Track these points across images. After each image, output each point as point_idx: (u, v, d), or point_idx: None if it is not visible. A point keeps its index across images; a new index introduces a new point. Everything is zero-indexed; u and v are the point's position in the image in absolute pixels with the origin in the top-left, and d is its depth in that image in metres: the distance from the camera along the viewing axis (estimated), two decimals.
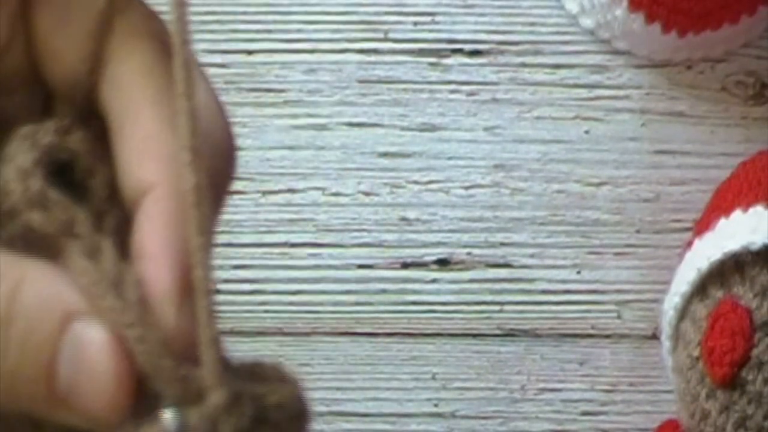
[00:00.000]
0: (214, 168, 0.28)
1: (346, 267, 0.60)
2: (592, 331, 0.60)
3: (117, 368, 0.26)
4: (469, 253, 0.60)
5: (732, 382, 0.51)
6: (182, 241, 0.27)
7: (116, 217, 0.29)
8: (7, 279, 0.26)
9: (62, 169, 0.29)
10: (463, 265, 0.60)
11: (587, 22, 0.60)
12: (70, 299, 0.26)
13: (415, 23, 0.60)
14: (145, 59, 0.29)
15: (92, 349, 0.26)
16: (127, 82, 0.29)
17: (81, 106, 0.29)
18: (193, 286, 0.27)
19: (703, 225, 0.55)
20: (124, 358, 0.26)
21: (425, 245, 0.60)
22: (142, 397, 0.27)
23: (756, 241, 0.51)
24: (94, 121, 0.29)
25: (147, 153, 0.28)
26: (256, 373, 0.28)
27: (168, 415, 0.26)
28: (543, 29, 0.60)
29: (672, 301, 0.54)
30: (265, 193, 0.60)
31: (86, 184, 0.29)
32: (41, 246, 0.28)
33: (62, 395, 0.26)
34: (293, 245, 0.60)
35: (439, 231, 0.60)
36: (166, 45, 0.28)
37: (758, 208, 0.52)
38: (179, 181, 0.27)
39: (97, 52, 0.29)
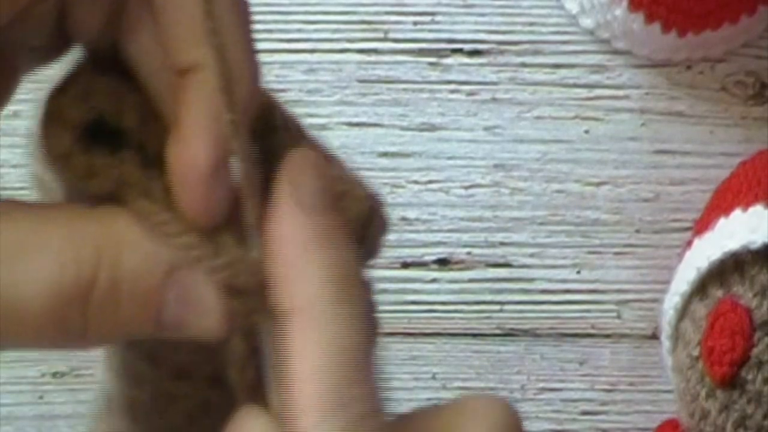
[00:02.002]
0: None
1: None
2: (592, 331, 0.60)
3: (221, 307, 0.28)
4: (469, 253, 0.60)
5: (732, 382, 0.51)
6: (220, 119, 0.29)
7: (155, 135, 0.29)
8: (107, 248, 0.28)
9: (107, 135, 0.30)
10: (463, 265, 0.60)
11: (587, 21, 0.60)
12: (167, 257, 0.28)
13: (415, 23, 0.60)
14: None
15: (198, 292, 0.28)
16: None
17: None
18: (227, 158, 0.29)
19: (702, 225, 0.55)
20: (225, 296, 0.28)
21: (425, 245, 0.60)
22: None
23: (756, 240, 0.51)
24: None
25: (191, 35, 0.29)
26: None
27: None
28: (543, 29, 0.60)
29: (672, 300, 0.54)
30: None
31: (142, 145, 0.30)
32: (105, 197, 0.29)
33: (171, 329, 0.28)
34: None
35: (439, 231, 0.60)
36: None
37: (758, 208, 0.52)
38: (221, 62, 0.29)
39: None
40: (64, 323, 0.27)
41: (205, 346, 0.30)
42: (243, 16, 0.30)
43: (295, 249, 0.29)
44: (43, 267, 0.27)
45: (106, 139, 0.29)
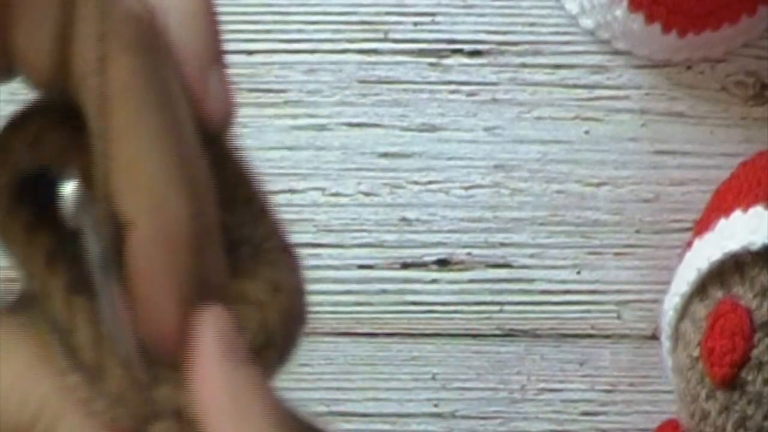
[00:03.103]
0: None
1: (346, 267, 0.60)
2: (592, 331, 0.60)
3: None
4: (469, 254, 0.60)
5: (732, 383, 0.51)
6: (174, 290, 0.28)
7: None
8: (48, 409, 0.27)
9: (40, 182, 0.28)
10: (463, 266, 0.60)
11: (587, 22, 0.60)
12: (38, 399, 0.27)
13: (415, 23, 0.60)
14: (127, 68, 0.28)
15: None
16: (108, 94, 0.28)
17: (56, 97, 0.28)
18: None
19: (703, 225, 0.55)
20: None
21: (425, 245, 0.60)
22: None
23: (756, 241, 0.51)
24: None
25: (129, 184, 0.28)
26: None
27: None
28: (543, 29, 0.60)
29: (672, 301, 0.54)
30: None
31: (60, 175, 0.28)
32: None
33: None
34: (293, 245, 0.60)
35: (439, 231, 0.60)
36: (148, 47, 0.28)
37: (758, 209, 0.52)
38: (161, 218, 0.27)
39: (62, 55, 0.27)
40: None
41: None
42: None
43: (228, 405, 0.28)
44: None
45: (40, 192, 0.28)
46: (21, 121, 0.28)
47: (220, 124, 0.30)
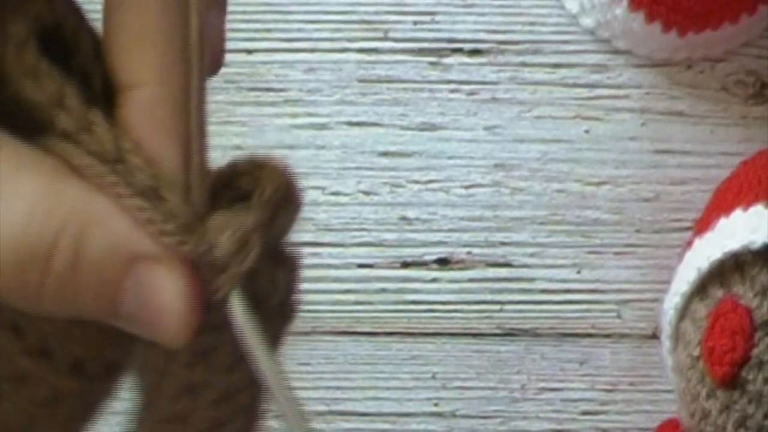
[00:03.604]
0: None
1: (346, 266, 0.60)
2: (592, 331, 0.60)
3: (184, 312, 0.27)
4: (469, 253, 0.60)
5: (732, 382, 0.51)
6: (179, 134, 0.28)
7: (102, 78, 0.28)
8: (74, 220, 0.27)
9: (49, 36, 0.28)
10: (463, 265, 0.60)
11: (587, 21, 0.60)
12: (136, 243, 0.27)
13: (415, 23, 0.60)
14: None
15: (157, 293, 0.27)
16: None
17: None
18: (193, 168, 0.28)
19: (703, 224, 0.55)
20: (193, 301, 0.27)
21: (425, 245, 0.60)
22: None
23: (756, 240, 0.51)
24: None
25: (141, 44, 0.28)
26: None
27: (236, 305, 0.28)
28: (543, 29, 0.60)
29: (672, 300, 0.54)
30: None
31: (72, 49, 0.28)
32: (31, 117, 0.28)
33: (127, 321, 0.28)
34: (293, 245, 0.60)
35: (439, 230, 0.60)
36: None
37: (758, 208, 0.52)
38: (170, 80, 0.27)
39: None
40: (24, 278, 0.26)
41: (82, 325, 0.28)
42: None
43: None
44: (7, 219, 0.26)
45: (57, 55, 0.28)
46: None
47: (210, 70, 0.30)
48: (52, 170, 0.27)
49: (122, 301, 0.27)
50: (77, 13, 0.29)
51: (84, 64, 0.28)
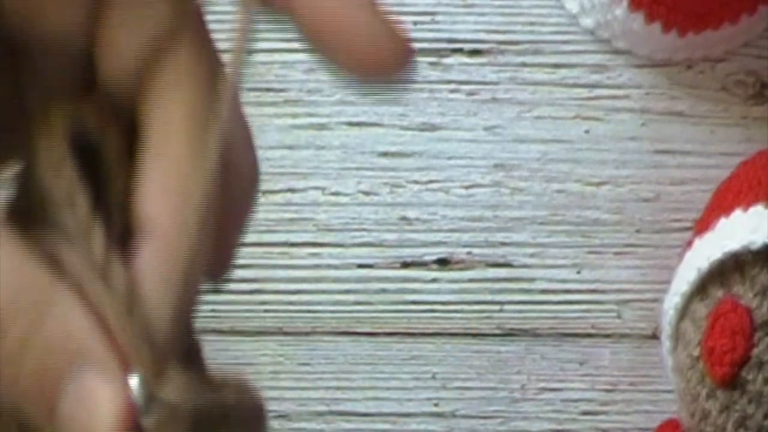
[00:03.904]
0: (238, 194, 0.30)
1: (346, 267, 0.60)
2: (592, 331, 0.60)
3: (118, 422, 0.27)
4: (469, 253, 0.60)
5: (732, 382, 0.51)
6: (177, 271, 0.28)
7: (126, 224, 0.29)
8: (36, 306, 0.27)
9: (88, 159, 0.29)
10: (463, 265, 0.60)
11: (587, 21, 0.60)
12: (87, 344, 0.27)
13: (415, 23, 0.60)
14: (194, 94, 0.29)
15: (94, 402, 0.27)
16: (169, 111, 0.29)
17: (120, 106, 0.30)
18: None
19: (703, 225, 0.55)
20: (126, 411, 0.27)
21: (425, 245, 0.60)
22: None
23: (756, 240, 0.51)
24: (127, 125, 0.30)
25: (161, 187, 0.29)
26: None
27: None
28: (543, 29, 0.60)
29: (672, 300, 0.54)
30: (265, 192, 0.60)
31: (109, 179, 0.29)
32: (42, 208, 0.28)
33: (62, 422, 0.27)
34: (293, 245, 0.60)
35: (439, 231, 0.60)
36: (216, 74, 0.29)
37: (758, 208, 0.52)
38: (180, 226, 0.28)
39: (153, 61, 0.29)
40: None
41: None
42: None
43: None
44: None
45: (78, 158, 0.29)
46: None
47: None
48: (27, 256, 0.27)
49: (59, 406, 0.27)
50: (107, 115, 0.29)
51: (107, 168, 0.29)
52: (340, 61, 0.29)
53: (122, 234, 0.29)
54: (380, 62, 0.28)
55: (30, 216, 0.29)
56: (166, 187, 0.29)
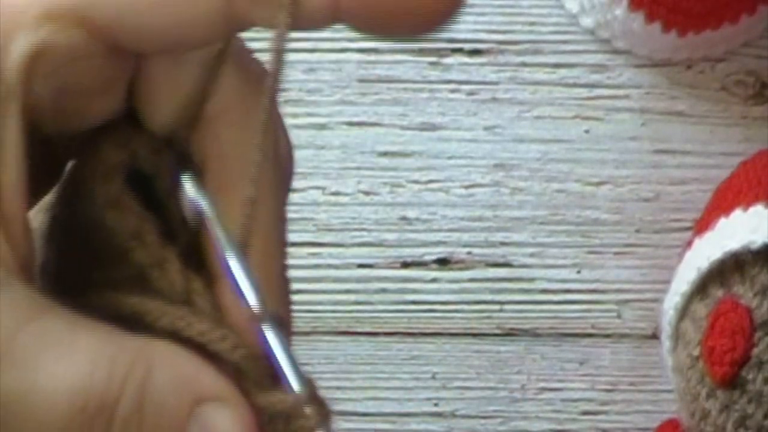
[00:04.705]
0: (280, 181, 0.30)
1: (346, 266, 0.60)
2: (592, 331, 0.60)
3: None
4: (469, 253, 0.60)
5: (732, 382, 0.51)
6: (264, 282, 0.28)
7: (188, 241, 0.29)
8: (137, 368, 0.27)
9: (145, 186, 0.29)
10: (463, 265, 0.60)
11: (587, 21, 0.60)
12: (200, 382, 0.27)
13: None
14: (245, 124, 0.29)
15: (221, 427, 0.27)
16: (223, 147, 0.29)
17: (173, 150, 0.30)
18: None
19: (703, 224, 0.55)
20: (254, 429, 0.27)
21: (425, 245, 0.60)
22: None
23: (756, 240, 0.51)
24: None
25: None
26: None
27: None
28: (543, 29, 0.60)
29: (672, 300, 0.54)
30: None
31: (166, 204, 0.29)
32: (108, 248, 0.28)
33: None
34: (293, 245, 0.60)
35: (439, 230, 0.60)
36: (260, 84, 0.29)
37: (758, 208, 0.52)
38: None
39: (199, 102, 0.29)
40: (90, 428, 0.26)
41: None
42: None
43: None
44: (71, 371, 0.26)
45: (149, 205, 0.29)
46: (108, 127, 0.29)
47: None
48: (108, 329, 0.27)
49: None
50: (158, 148, 0.29)
51: (172, 220, 0.29)
52: (402, 25, 0.28)
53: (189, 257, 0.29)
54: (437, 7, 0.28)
55: (92, 260, 0.29)
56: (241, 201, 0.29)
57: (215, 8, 0.27)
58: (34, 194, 0.28)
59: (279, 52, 0.27)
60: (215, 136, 0.29)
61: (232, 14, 0.28)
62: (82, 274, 0.29)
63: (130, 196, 0.28)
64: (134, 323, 0.28)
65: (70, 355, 0.26)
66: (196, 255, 0.29)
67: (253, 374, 0.27)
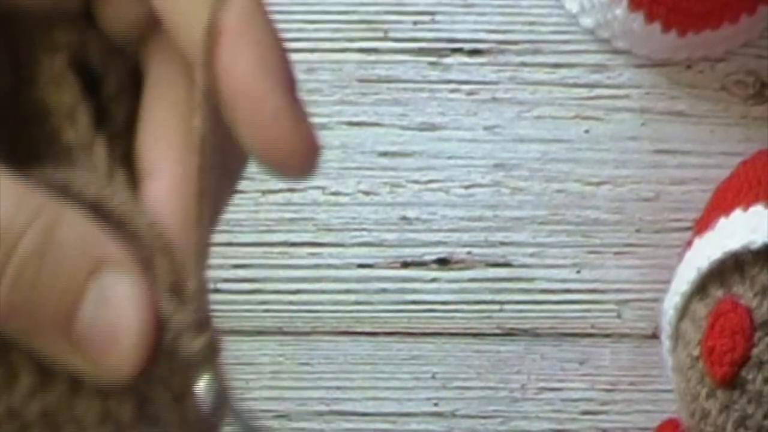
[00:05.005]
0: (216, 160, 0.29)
1: (346, 266, 0.60)
2: (592, 331, 0.60)
3: (141, 325, 0.26)
4: (469, 253, 0.60)
5: (732, 382, 0.51)
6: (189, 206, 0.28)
7: (127, 152, 0.29)
8: (46, 215, 0.26)
9: (90, 86, 0.29)
10: (463, 265, 0.60)
11: (587, 21, 0.60)
12: (105, 247, 0.26)
13: (415, 23, 0.60)
14: (196, 39, 0.28)
15: (118, 301, 0.26)
16: (169, 53, 0.29)
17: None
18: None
19: (703, 224, 0.55)
20: (150, 315, 0.26)
21: (425, 245, 0.60)
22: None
23: (756, 240, 0.51)
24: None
25: (164, 135, 0.29)
26: None
27: (203, 385, 0.27)
28: (543, 28, 0.60)
29: (672, 300, 0.54)
30: (265, 192, 0.60)
31: (109, 108, 0.29)
32: (44, 124, 0.28)
33: (78, 338, 0.26)
34: (293, 244, 0.60)
35: (439, 230, 0.60)
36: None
37: (758, 208, 0.52)
38: (184, 172, 0.28)
39: (154, 21, 0.29)
40: None
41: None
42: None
43: None
44: None
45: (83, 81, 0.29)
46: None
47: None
48: (23, 177, 0.26)
49: (80, 312, 0.26)
50: (108, 46, 0.30)
51: (108, 95, 0.29)
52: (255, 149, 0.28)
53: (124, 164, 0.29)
54: (291, 160, 0.28)
55: (30, 134, 0.29)
56: (168, 129, 0.29)
57: None
58: None
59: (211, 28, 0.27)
60: (164, 40, 0.29)
61: None
62: (21, 143, 0.29)
63: (71, 77, 0.29)
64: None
65: None
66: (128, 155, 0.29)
67: (161, 273, 0.27)
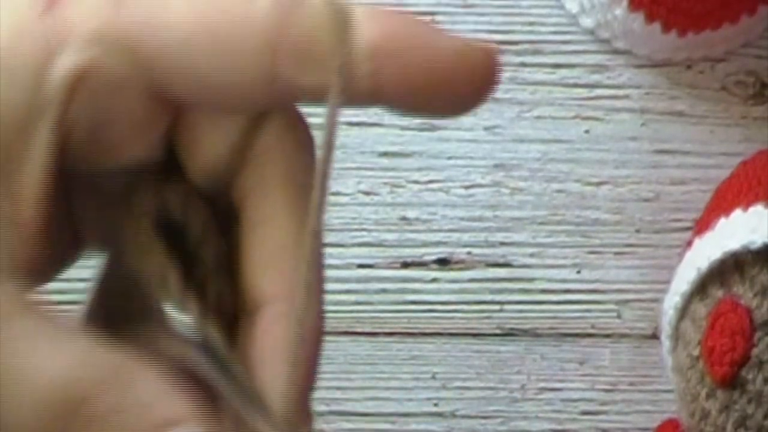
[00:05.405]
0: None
1: (346, 266, 0.60)
2: (592, 331, 0.60)
3: None
4: (469, 253, 0.60)
5: (732, 382, 0.51)
6: (295, 365, 0.29)
7: (220, 292, 0.29)
8: (122, 375, 0.27)
9: (174, 232, 0.29)
10: (463, 265, 0.60)
11: (587, 21, 0.60)
12: (173, 406, 0.27)
13: None
14: (288, 166, 0.29)
15: None
16: (267, 187, 0.29)
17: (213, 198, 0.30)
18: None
19: (703, 224, 0.55)
20: None
21: (425, 245, 0.60)
22: None
23: (756, 240, 0.51)
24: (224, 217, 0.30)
25: (273, 265, 0.29)
26: None
27: None
28: (543, 29, 0.60)
29: (672, 300, 0.54)
30: None
31: (198, 254, 0.30)
32: (135, 290, 0.29)
33: None
34: None
35: (439, 230, 0.60)
36: (308, 154, 0.30)
37: (758, 208, 0.52)
38: (296, 299, 0.29)
39: (242, 150, 0.29)
40: (55, 425, 0.26)
41: None
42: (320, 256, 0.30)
43: None
44: (53, 365, 0.26)
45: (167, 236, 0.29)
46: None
47: None
48: (92, 338, 0.27)
49: None
50: (210, 225, 0.30)
51: (195, 241, 0.29)
52: (447, 102, 0.28)
53: (218, 305, 0.29)
54: (480, 79, 0.28)
55: (124, 306, 0.29)
56: (274, 257, 0.29)
57: (260, 70, 0.27)
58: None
59: (333, 117, 0.27)
60: (257, 175, 0.29)
61: (277, 77, 0.27)
62: (118, 311, 0.29)
63: (157, 243, 0.29)
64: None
65: (52, 355, 0.26)
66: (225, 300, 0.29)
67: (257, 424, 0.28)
